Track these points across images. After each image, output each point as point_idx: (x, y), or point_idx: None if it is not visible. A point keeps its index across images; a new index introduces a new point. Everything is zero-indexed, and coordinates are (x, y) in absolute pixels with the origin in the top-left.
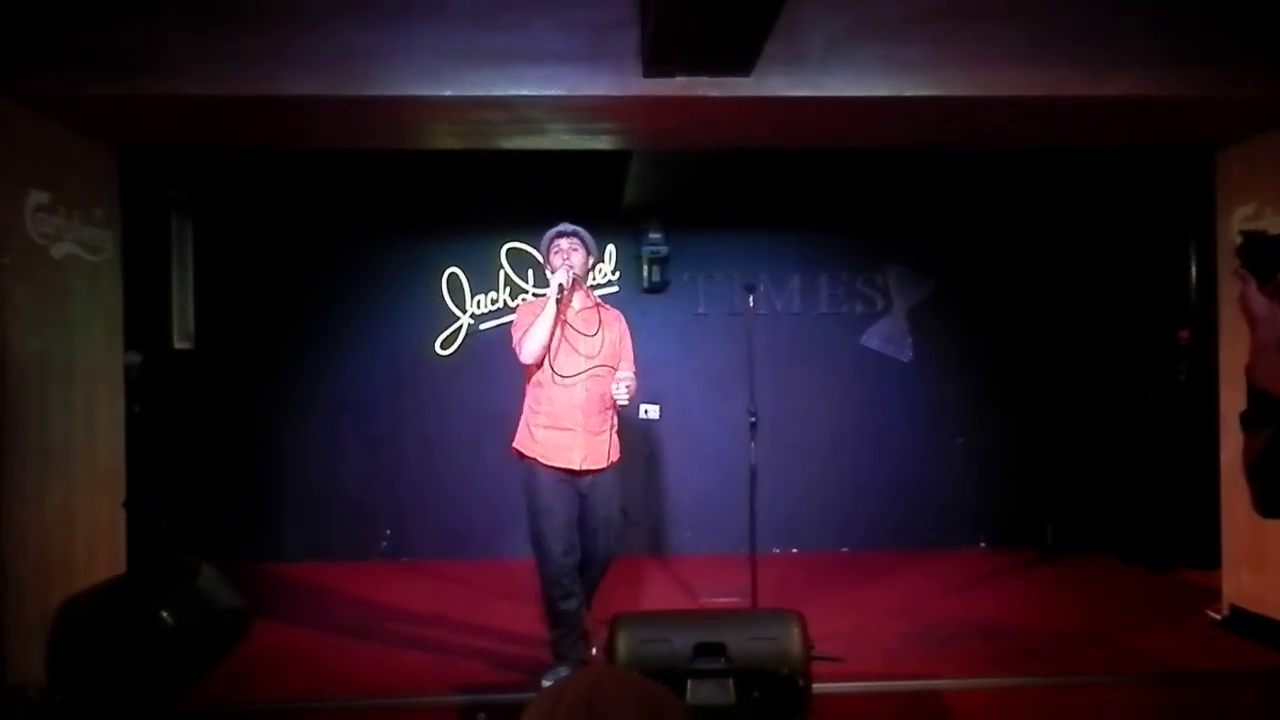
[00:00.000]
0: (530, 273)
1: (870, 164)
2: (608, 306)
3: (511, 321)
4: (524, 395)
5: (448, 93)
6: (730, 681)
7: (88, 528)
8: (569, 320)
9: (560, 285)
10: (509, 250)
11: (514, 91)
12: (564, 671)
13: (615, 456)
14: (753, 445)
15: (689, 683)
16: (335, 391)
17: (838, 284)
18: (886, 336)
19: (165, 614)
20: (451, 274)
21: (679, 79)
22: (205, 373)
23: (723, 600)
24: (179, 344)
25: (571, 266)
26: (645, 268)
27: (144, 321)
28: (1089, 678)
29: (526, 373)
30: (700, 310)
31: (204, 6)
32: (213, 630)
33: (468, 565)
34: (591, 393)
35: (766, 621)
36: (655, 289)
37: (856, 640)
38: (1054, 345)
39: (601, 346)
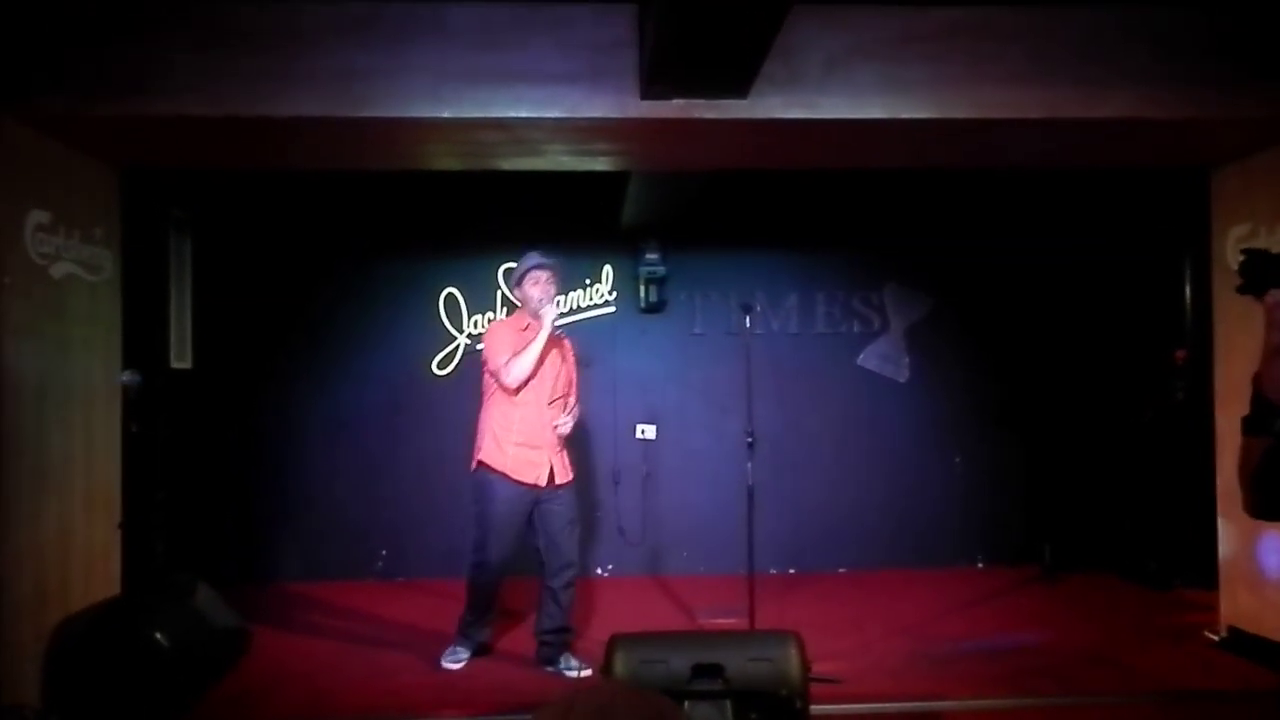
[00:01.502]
0: None
1: (867, 184)
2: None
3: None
4: (489, 410)
5: (447, 114)
6: (728, 703)
7: (84, 548)
8: (548, 350)
9: (553, 319)
10: (506, 270)
11: (513, 113)
12: (462, 654)
13: (571, 475)
14: (750, 465)
15: (686, 704)
16: (332, 411)
17: (834, 303)
18: (883, 356)
19: (160, 635)
20: (449, 294)
21: (676, 101)
22: (202, 392)
23: (721, 621)
24: (176, 363)
25: (554, 299)
26: (642, 287)
27: (142, 340)
28: (1090, 697)
29: (501, 390)
30: (697, 330)
31: (205, 27)
32: (209, 650)
33: (464, 584)
34: (551, 420)
35: (764, 642)
36: (652, 309)
37: (855, 660)
38: (1051, 364)
39: (562, 372)
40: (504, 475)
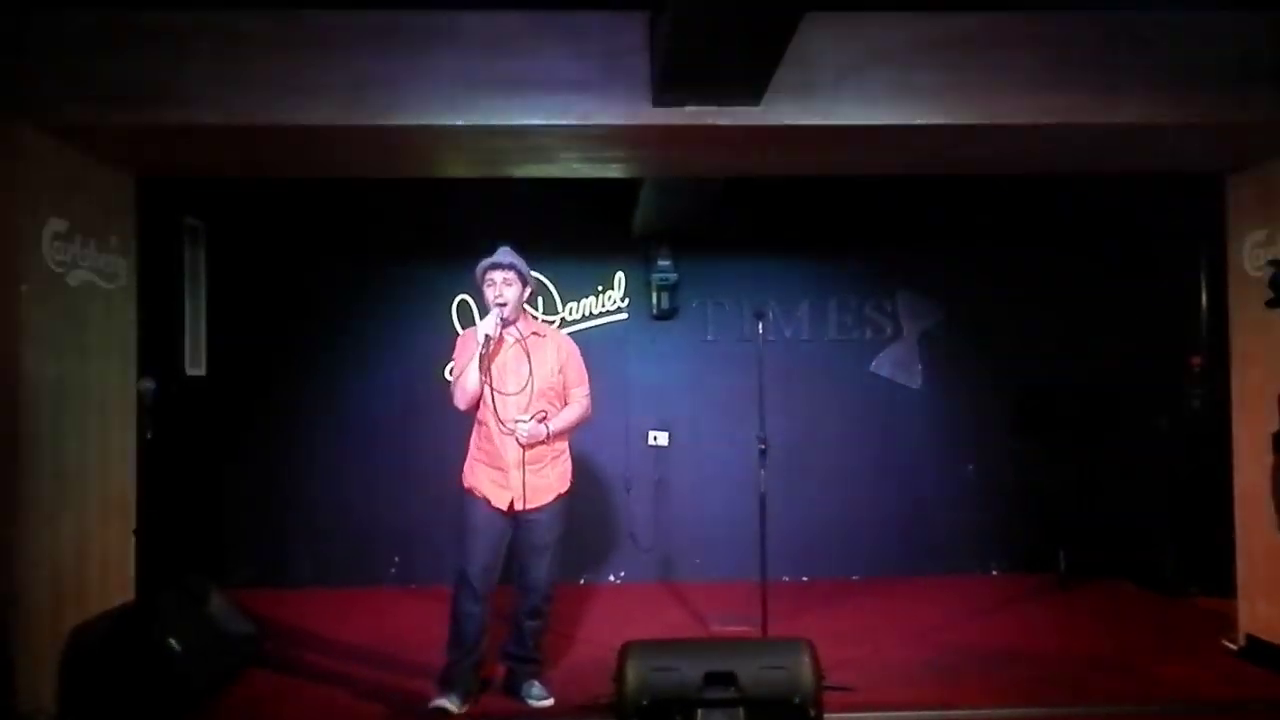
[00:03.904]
0: (540, 300)
1: (879, 190)
2: (546, 332)
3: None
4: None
5: (461, 122)
6: (740, 711)
7: (100, 553)
8: (495, 370)
9: (487, 336)
10: None
11: (527, 120)
12: (455, 699)
13: (562, 489)
14: (762, 472)
15: (699, 712)
16: (345, 417)
17: (847, 310)
18: (896, 363)
19: (173, 641)
20: (461, 301)
21: (688, 108)
22: (216, 399)
23: (733, 628)
24: (191, 370)
25: (504, 305)
26: (654, 294)
27: (157, 347)
28: (1106, 707)
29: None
30: (709, 337)
31: (221, 37)
32: (222, 656)
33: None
34: (531, 427)
35: (777, 650)
36: (664, 316)
37: (869, 669)
38: (1066, 371)
39: (528, 383)
40: (478, 496)
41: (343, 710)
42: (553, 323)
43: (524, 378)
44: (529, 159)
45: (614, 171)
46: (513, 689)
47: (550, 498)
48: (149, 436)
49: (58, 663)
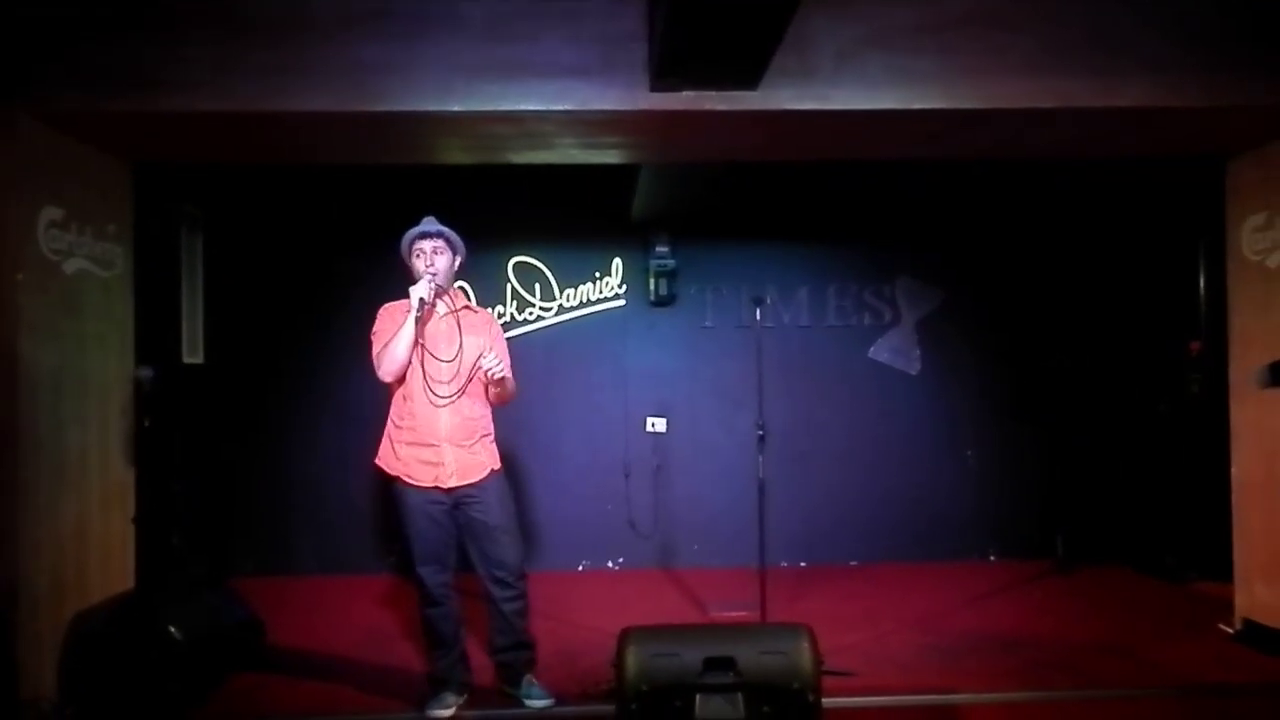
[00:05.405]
0: (537, 287)
1: (878, 175)
2: (476, 309)
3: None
4: (391, 406)
5: (458, 107)
6: (739, 696)
7: (100, 542)
8: (428, 336)
9: (421, 300)
10: (516, 264)
11: (524, 106)
12: (450, 699)
13: (494, 465)
14: (761, 458)
15: (698, 697)
16: (344, 405)
17: (846, 296)
18: (895, 349)
19: (174, 629)
20: (459, 288)
21: (686, 93)
22: (215, 387)
23: (732, 614)
24: (189, 358)
25: (434, 274)
26: (652, 281)
27: (154, 336)
28: (1105, 691)
29: (390, 385)
30: (708, 323)
31: (218, 22)
32: (223, 644)
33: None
34: (457, 406)
35: (776, 635)
36: (663, 302)
37: (867, 654)
38: (1065, 357)
39: (458, 355)
40: (402, 480)
41: (344, 699)
42: (550, 309)
43: (455, 349)
44: (526, 145)
45: (612, 158)
46: (510, 682)
47: (484, 473)
48: (147, 424)
49: (59, 650)
